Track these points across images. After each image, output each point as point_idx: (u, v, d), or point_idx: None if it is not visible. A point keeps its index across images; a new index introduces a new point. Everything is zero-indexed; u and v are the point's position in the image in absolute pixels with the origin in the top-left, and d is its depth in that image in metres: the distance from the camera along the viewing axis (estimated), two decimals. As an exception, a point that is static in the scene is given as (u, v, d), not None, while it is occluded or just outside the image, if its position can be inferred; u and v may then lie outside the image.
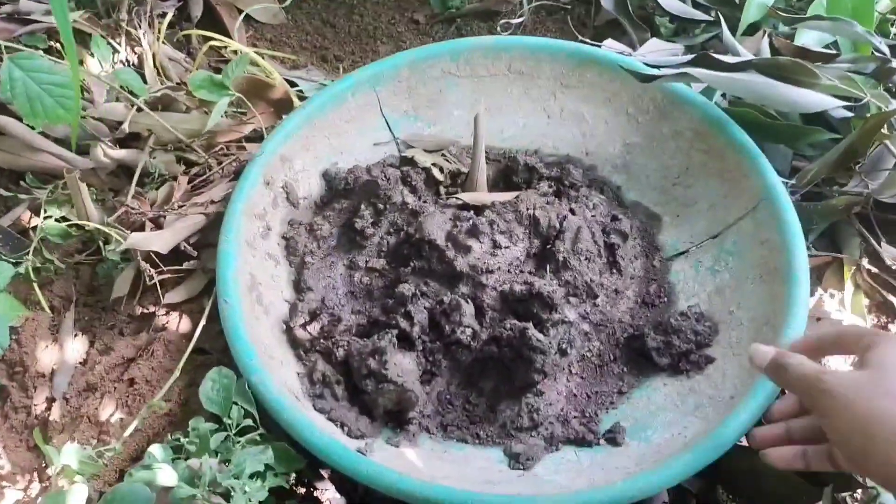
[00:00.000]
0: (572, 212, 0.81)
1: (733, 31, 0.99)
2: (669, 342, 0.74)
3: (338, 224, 0.86)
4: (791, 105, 0.79)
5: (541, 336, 0.71)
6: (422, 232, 0.78)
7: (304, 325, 0.75)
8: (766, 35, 0.97)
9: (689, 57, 0.84)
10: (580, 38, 1.09)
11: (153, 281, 0.77)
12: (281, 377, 0.70)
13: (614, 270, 0.82)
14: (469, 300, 0.75)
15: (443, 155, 0.92)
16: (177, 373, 0.73)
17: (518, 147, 0.93)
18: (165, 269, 0.79)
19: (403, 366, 0.72)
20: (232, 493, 0.59)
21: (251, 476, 0.62)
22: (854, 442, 0.50)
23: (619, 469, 0.65)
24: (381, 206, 0.84)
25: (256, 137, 0.95)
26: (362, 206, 0.84)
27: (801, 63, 0.79)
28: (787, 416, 0.63)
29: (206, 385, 0.68)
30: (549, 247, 0.79)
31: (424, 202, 0.86)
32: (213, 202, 0.82)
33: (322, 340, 0.75)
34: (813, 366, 0.55)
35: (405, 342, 0.75)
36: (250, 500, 0.59)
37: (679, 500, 0.69)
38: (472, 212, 0.82)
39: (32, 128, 0.85)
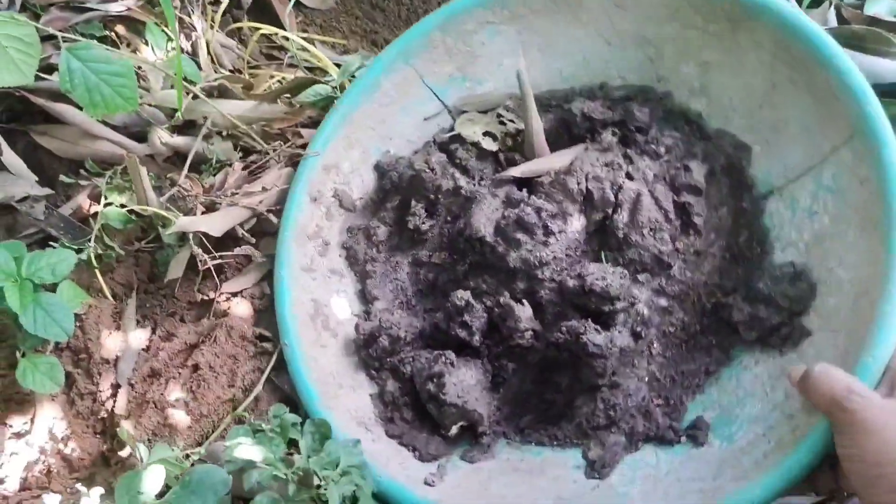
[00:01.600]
0: (629, 176, 0.72)
1: (798, 3, 0.87)
2: (756, 314, 0.65)
3: (394, 222, 0.83)
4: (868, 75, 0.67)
5: (598, 340, 0.66)
6: (469, 227, 0.74)
7: (367, 349, 0.75)
8: (833, 6, 0.86)
9: None
10: None
11: (206, 266, 0.77)
12: (350, 407, 0.72)
13: (691, 231, 0.72)
14: (526, 299, 0.71)
15: (498, 115, 0.84)
16: (239, 355, 0.74)
17: (582, 84, 0.83)
18: (217, 254, 0.79)
19: (465, 383, 0.70)
20: (321, 483, 0.58)
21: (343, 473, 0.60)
22: (867, 469, 0.48)
23: (695, 481, 0.60)
24: (432, 196, 0.80)
25: (311, 124, 0.92)
26: (413, 203, 0.80)
27: (876, 31, 0.75)
28: None
29: (306, 439, 0.64)
30: (607, 222, 0.71)
31: (480, 179, 0.81)
32: (265, 189, 0.82)
33: (389, 359, 0.75)
34: (842, 379, 0.52)
35: (469, 350, 0.73)
36: (340, 493, 0.58)
37: None
38: (524, 191, 0.76)
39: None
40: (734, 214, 0.73)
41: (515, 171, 0.78)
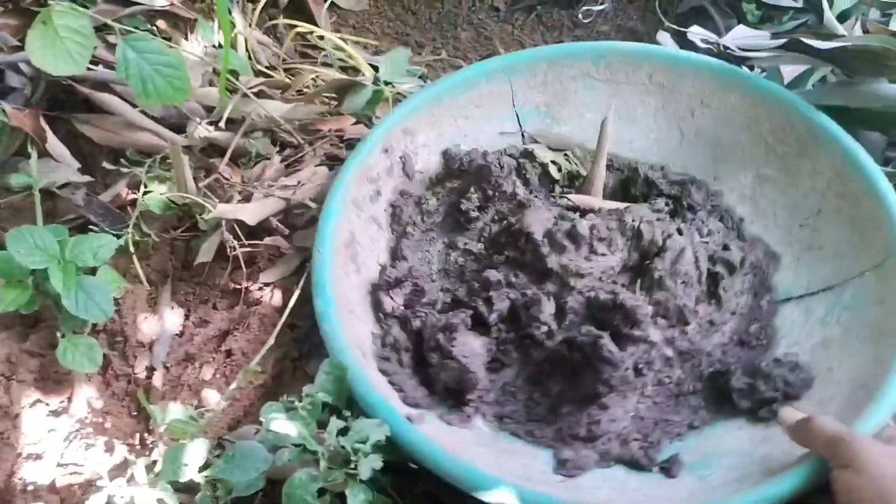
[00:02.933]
0: (679, 232, 0.78)
1: (821, 20, 0.97)
2: (755, 386, 0.70)
3: (446, 203, 0.87)
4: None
5: (614, 348, 0.69)
6: (522, 223, 0.78)
7: (387, 290, 0.77)
8: (857, 22, 0.93)
9: (780, 41, 0.82)
10: (667, 23, 1.08)
11: (234, 252, 0.81)
12: (355, 332, 0.73)
13: (713, 301, 0.78)
14: (552, 298, 0.74)
15: (565, 155, 0.91)
16: (271, 341, 0.76)
17: (645, 160, 0.91)
18: (247, 242, 0.82)
19: (472, 347, 0.72)
20: (352, 458, 0.59)
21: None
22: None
23: (662, 500, 0.62)
24: (490, 192, 0.85)
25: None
26: (472, 189, 0.85)
27: (892, 48, 0.76)
28: None
29: (320, 377, 0.66)
30: (647, 263, 0.77)
31: (535, 196, 0.86)
32: (301, 184, 0.85)
33: (403, 308, 0.77)
34: (841, 424, 0.56)
35: (482, 326, 0.75)
36: (371, 468, 0.59)
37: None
38: (577, 214, 0.81)
39: (134, 105, 0.89)
40: (750, 307, 0.79)
41: (574, 198, 0.84)
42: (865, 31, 0.92)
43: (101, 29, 0.78)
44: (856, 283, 0.74)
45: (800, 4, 1.03)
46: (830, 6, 0.96)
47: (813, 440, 0.57)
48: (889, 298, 0.69)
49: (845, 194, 0.77)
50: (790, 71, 0.90)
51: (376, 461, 0.58)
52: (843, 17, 1.01)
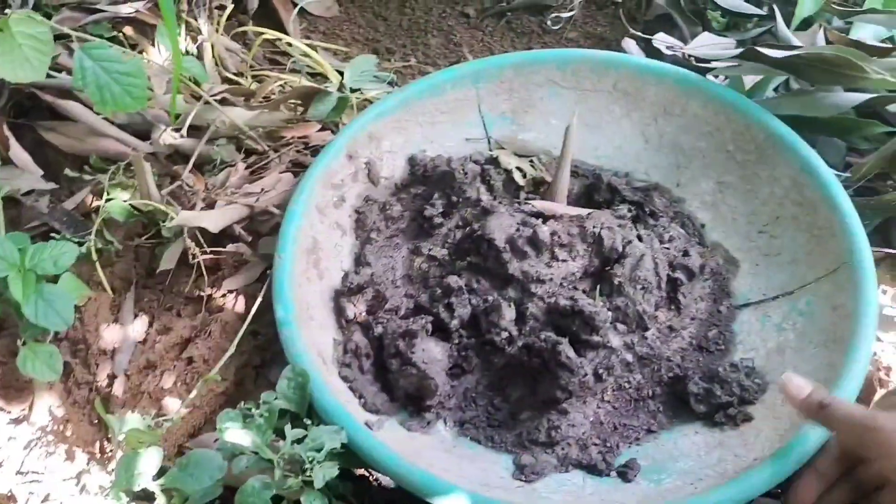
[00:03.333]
0: (640, 238, 0.79)
1: (787, 25, 0.99)
2: (711, 391, 0.71)
3: (410, 208, 0.88)
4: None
5: (572, 354, 0.70)
6: (484, 229, 0.79)
7: (350, 296, 0.77)
8: (821, 29, 0.95)
9: (739, 50, 0.84)
10: (632, 31, 1.10)
11: (197, 259, 0.81)
12: (315, 338, 0.73)
13: (672, 307, 0.79)
14: (513, 305, 0.75)
15: (530, 161, 0.92)
16: (232, 349, 0.76)
17: (609, 167, 0.91)
18: (210, 249, 0.82)
19: (432, 354, 0.72)
20: (306, 466, 0.59)
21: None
22: None
23: (617, 503, 0.63)
24: (454, 198, 0.85)
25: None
26: (436, 195, 0.86)
27: (846, 57, 0.79)
28: (829, 479, 0.61)
29: (282, 383, 0.66)
30: (607, 269, 0.78)
31: (499, 202, 0.87)
32: (265, 191, 0.86)
33: (365, 314, 0.77)
34: (859, 406, 0.56)
35: (442, 333, 0.76)
36: (325, 476, 0.59)
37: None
38: (541, 220, 0.82)
39: (97, 113, 0.89)
40: (709, 313, 0.80)
41: (537, 204, 0.84)
42: (827, 41, 0.93)
43: (66, 36, 0.77)
44: (811, 289, 0.75)
45: (764, 12, 1.04)
46: (792, 15, 0.97)
47: (836, 427, 0.57)
48: (842, 305, 0.70)
49: (802, 202, 0.79)
50: (752, 78, 0.91)
51: (331, 469, 0.58)
52: (807, 24, 1.02)
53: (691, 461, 0.67)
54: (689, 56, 0.94)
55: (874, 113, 0.88)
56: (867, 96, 0.82)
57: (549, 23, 1.17)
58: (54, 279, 0.76)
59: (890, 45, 0.88)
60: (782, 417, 0.66)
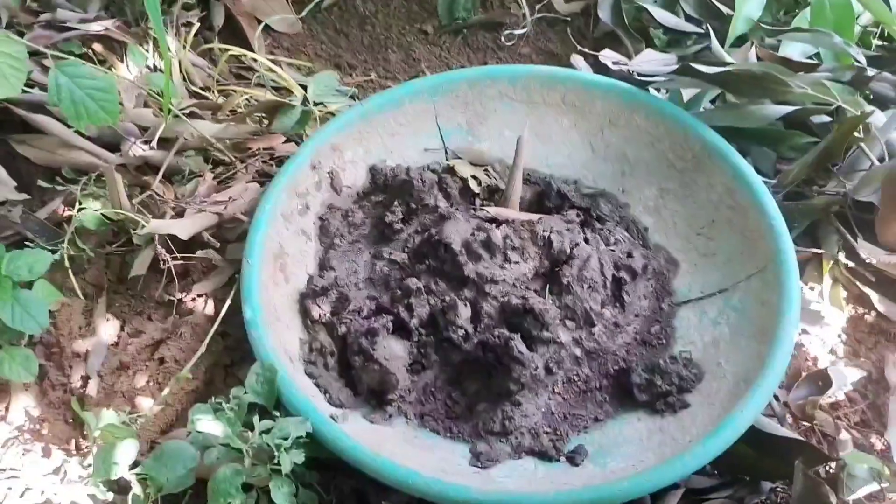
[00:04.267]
0: (587, 241, 0.85)
1: (723, 42, 1.06)
2: (653, 381, 0.77)
3: (372, 215, 0.92)
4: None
5: (524, 349, 0.75)
6: (441, 234, 0.84)
7: (315, 298, 0.82)
8: (753, 46, 1.01)
9: (676, 66, 0.90)
10: (579, 48, 1.18)
11: (167, 265, 0.84)
12: (282, 338, 0.77)
13: (617, 304, 0.84)
14: (469, 304, 0.80)
15: (486, 170, 0.97)
16: (202, 349, 0.80)
17: (560, 175, 0.97)
18: (180, 255, 0.86)
19: (393, 351, 0.77)
20: (274, 454, 0.63)
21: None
22: None
23: (566, 485, 0.68)
24: (413, 205, 0.90)
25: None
26: (395, 203, 0.90)
27: (771, 72, 0.85)
28: None
29: (250, 378, 0.70)
30: (557, 269, 0.83)
31: (456, 209, 0.92)
32: (232, 199, 0.90)
33: (329, 315, 0.82)
34: None
35: (403, 331, 0.80)
36: (293, 462, 0.64)
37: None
38: (494, 225, 0.87)
39: (69, 126, 0.91)
40: (652, 310, 0.86)
41: (491, 210, 0.89)
42: (758, 57, 1.00)
43: (38, 53, 0.81)
44: (743, 286, 0.81)
45: (702, 30, 1.11)
46: (727, 33, 1.04)
47: None
48: (769, 300, 0.76)
49: (735, 206, 0.85)
50: (690, 92, 0.98)
51: (298, 456, 0.62)
52: (742, 41, 1.10)
53: (634, 446, 0.73)
54: (633, 71, 1.01)
55: (801, 123, 0.95)
56: (793, 108, 0.88)
57: (503, 39, 1.23)
58: (29, 285, 0.79)
59: (815, 62, 0.96)
60: (715, 404, 0.72)
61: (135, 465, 0.65)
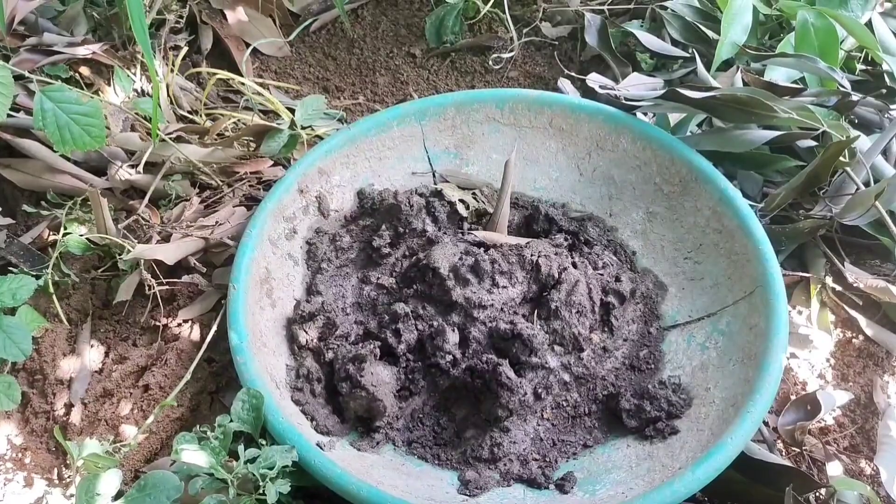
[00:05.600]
0: (575, 265, 0.84)
1: (709, 67, 1.07)
2: (642, 407, 0.76)
3: (360, 239, 0.92)
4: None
5: (512, 375, 0.74)
6: (429, 259, 0.84)
7: (302, 324, 0.81)
8: (739, 70, 1.03)
9: (662, 91, 0.91)
10: (566, 72, 1.18)
11: (153, 290, 0.84)
12: (268, 364, 0.76)
13: (606, 329, 0.84)
14: (457, 329, 0.80)
15: (473, 194, 0.97)
16: (188, 376, 0.79)
17: (547, 198, 0.97)
18: (165, 280, 0.86)
19: (380, 377, 0.76)
20: (260, 485, 0.62)
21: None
22: None
23: (555, 512, 0.68)
24: (401, 229, 0.90)
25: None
26: (383, 227, 0.90)
27: (757, 98, 0.86)
28: None
29: (236, 405, 0.69)
30: (545, 294, 0.83)
31: (444, 233, 0.91)
32: (219, 224, 0.89)
33: (316, 341, 0.81)
34: None
35: (390, 357, 0.80)
36: (279, 492, 0.63)
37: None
38: (482, 249, 0.87)
39: (54, 150, 0.90)
40: (641, 334, 0.86)
41: (479, 234, 0.89)
42: (744, 81, 1.01)
43: (22, 77, 0.80)
44: (730, 310, 0.81)
45: (688, 54, 1.12)
46: (713, 57, 1.05)
47: None
48: (757, 324, 0.76)
49: (721, 230, 0.85)
50: (677, 116, 0.99)
51: (283, 486, 0.62)
52: (727, 65, 1.11)
53: (623, 472, 0.72)
54: (620, 95, 1.01)
55: (787, 148, 0.96)
56: (778, 133, 0.89)
57: (490, 63, 1.23)
58: (12, 311, 0.78)
59: (799, 86, 0.97)
60: (705, 430, 0.72)
61: (118, 495, 0.63)
